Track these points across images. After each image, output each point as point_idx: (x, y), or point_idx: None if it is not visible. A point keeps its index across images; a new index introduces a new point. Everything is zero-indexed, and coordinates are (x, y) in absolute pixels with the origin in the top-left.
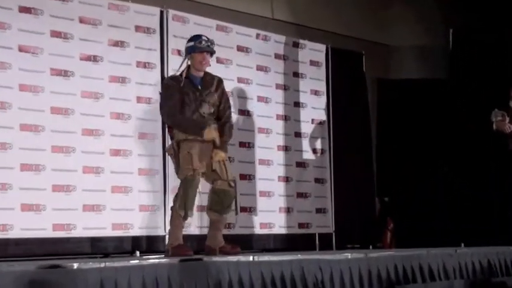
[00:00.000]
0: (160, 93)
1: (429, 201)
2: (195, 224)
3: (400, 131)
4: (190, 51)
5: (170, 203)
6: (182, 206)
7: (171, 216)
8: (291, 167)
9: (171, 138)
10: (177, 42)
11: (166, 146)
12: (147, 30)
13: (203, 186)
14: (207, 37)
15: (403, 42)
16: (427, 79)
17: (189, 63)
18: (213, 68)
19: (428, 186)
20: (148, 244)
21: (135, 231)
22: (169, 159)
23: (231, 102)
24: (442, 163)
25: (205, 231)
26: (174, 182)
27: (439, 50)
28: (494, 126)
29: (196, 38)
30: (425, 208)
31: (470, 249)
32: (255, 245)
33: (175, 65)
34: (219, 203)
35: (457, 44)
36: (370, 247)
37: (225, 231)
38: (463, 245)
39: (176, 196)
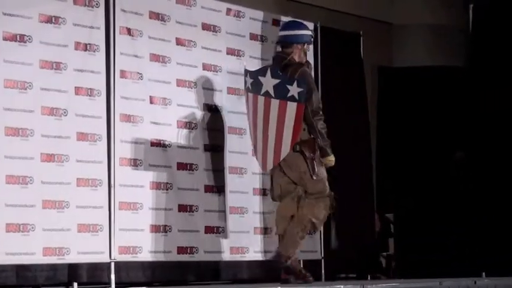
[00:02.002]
0: (303, 77)
1: (443, 219)
2: (148, 249)
3: (405, 130)
4: (308, 41)
5: (117, 221)
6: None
7: (297, 241)
8: (269, 177)
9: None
10: (127, 18)
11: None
12: (89, 3)
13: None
14: None
15: (410, 20)
16: (440, 67)
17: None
18: (172, 51)
19: (441, 199)
20: (89, 273)
21: (73, 257)
22: (115, 165)
23: (195, 95)
24: (460, 171)
25: (160, 257)
26: (122, 196)
27: (455, 30)
28: None
29: (306, 27)
30: (438, 228)
31: (493, 280)
32: (224, 274)
33: (124, 47)
34: None
35: (479, 23)
36: (369, 277)
37: (187, 258)
38: (484, 275)
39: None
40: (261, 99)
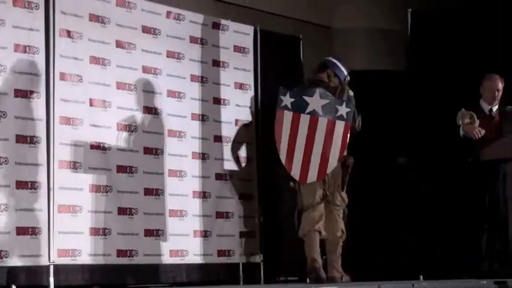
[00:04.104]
0: (351, 99)
1: (382, 223)
2: (87, 252)
3: None
4: (343, 77)
5: (56, 224)
6: None
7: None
8: (209, 180)
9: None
10: (67, 21)
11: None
12: (29, 5)
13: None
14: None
15: (350, 24)
16: (380, 71)
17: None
18: (112, 54)
19: (382, 201)
20: (28, 277)
21: (11, 261)
22: (54, 168)
23: (135, 98)
24: (401, 173)
25: (99, 260)
26: (61, 198)
27: (395, 35)
28: (461, 131)
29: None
30: (380, 230)
31: (431, 283)
32: (163, 277)
33: (64, 50)
34: None
35: (417, 28)
36: (308, 280)
37: (126, 261)
38: (421, 278)
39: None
40: (305, 118)
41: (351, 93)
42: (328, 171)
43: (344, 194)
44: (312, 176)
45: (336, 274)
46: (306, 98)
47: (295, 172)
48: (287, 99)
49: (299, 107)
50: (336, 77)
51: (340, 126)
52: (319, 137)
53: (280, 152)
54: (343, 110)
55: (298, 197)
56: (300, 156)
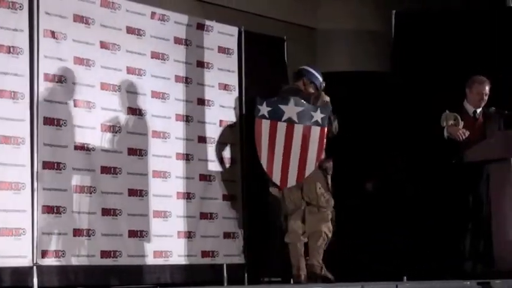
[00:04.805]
0: (326, 105)
1: (366, 223)
2: (71, 253)
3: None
4: (319, 85)
5: (40, 225)
6: None
7: (322, 252)
8: (193, 181)
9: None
10: (51, 21)
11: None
12: (12, 6)
13: None
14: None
15: (334, 25)
16: (364, 72)
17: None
18: (96, 55)
19: (365, 202)
20: (12, 277)
21: None
22: (38, 169)
23: (119, 99)
24: (383, 175)
25: (83, 261)
26: (45, 199)
27: (380, 36)
28: (445, 133)
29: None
30: (361, 231)
31: (415, 284)
32: (147, 278)
33: (49, 51)
34: None
35: (401, 30)
36: (291, 281)
37: (110, 261)
38: (405, 278)
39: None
40: (281, 125)
41: (327, 98)
42: (307, 174)
43: (328, 195)
44: (291, 180)
45: (315, 263)
46: (281, 106)
47: (276, 178)
48: (264, 108)
49: (276, 115)
50: (312, 84)
51: (315, 131)
52: (296, 143)
53: (261, 160)
54: (318, 115)
55: (282, 203)
56: (279, 162)
